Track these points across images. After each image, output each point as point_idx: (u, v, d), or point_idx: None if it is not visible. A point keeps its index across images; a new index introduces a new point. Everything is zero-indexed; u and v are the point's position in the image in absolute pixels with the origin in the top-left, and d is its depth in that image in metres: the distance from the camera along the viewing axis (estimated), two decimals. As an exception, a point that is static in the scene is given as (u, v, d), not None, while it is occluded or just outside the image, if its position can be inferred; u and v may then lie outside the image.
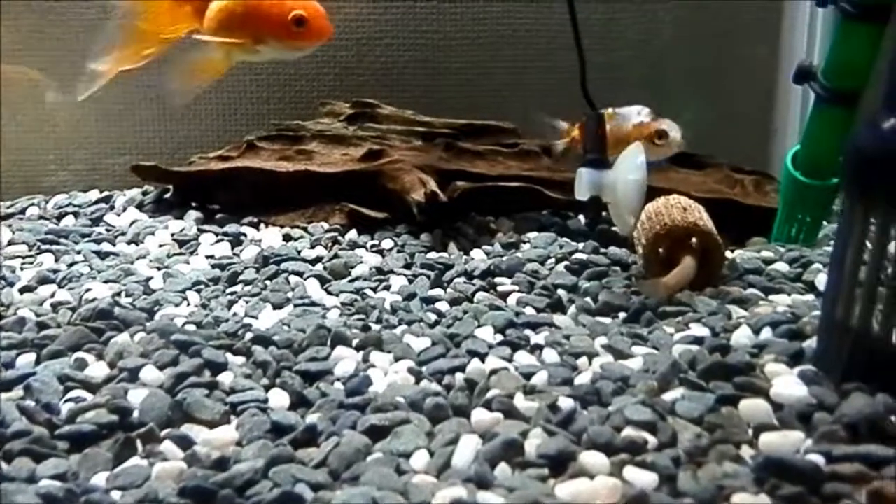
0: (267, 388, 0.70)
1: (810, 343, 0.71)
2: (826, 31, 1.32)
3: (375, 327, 0.84)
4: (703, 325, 0.81)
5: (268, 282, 0.98)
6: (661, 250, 0.96)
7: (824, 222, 1.10)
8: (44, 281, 0.94)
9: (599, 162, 0.94)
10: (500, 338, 0.81)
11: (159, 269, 1.01)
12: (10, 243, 1.08)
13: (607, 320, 0.87)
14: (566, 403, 0.64)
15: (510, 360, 0.75)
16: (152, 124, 1.43)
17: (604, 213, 1.10)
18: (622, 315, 0.88)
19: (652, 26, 1.46)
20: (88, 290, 0.90)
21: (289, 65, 1.44)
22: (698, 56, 1.45)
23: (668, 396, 0.66)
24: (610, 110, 1.03)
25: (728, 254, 1.04)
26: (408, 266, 1.03)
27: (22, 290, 0.91)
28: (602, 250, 1.05)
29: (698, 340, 0.76)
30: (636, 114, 1.03)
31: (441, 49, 1.42)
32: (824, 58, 0.99)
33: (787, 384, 0.64)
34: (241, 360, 0.75)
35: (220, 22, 0.82)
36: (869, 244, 0.61)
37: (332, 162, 1.20)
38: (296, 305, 0.91)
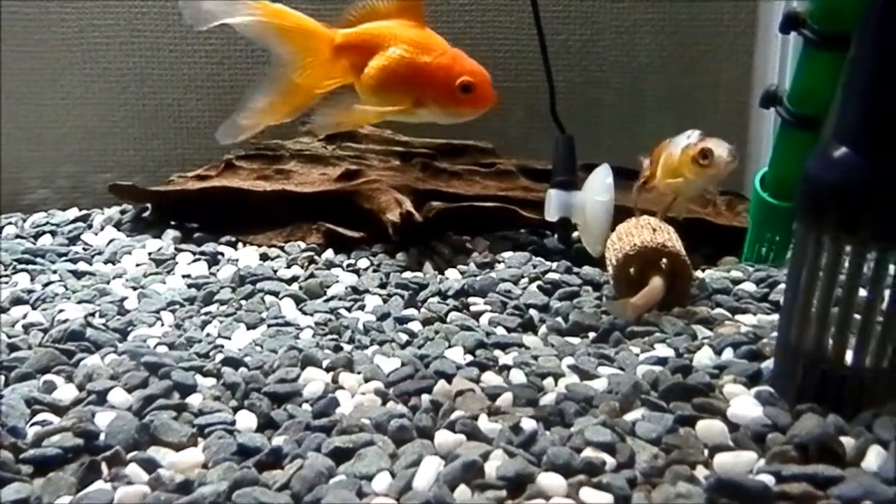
0: (235, 410, 0.71)
1: (768, 364, 0.72)
2: (797, 52, 1.35)
3: (347, 348, 0.85)
4: (667, 346, 0.82)
5: (243, 301, 0.99)
6: (631, 270, 0.98)
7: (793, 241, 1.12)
8: (17, 302, 0.94)
9: (568, 183, 0.96)
10: (469, 358, 0.82)
11: (135, 288, 1.02)
12: (-15, 263, 1.08)
13: (576, 340, 0.88)
14: (528, 424, 0.65)
15: (477, 381, 0.76)
16: (134, 143, 1.45)
17: (575, 234, 1.12)
18: (592, 335, 0.89)
19: (629, 49, 1.48)
20: (61, 310, 0.91)
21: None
22: (674, 78, 1.47)
23: (629, 417, 0.67)
24: (667, 141, 1.01)
25: (699, 273, 1.05)
26: (383, 286, 1.04)
27: (-6, 312, 0.91)
28: (575, 270, 1.07)
29: (662, 361, 0.77)
30: (685, 138, 0.98)
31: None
32: (790, 83, 1.01)
33: (744, 405, 0.66)
34: (211, 381, 0.76)
35: (380, 81, 0.74)
36: (821, 269, 0.63)
37: (310, 182, 1.21)
38: (269, 325, 0.92)
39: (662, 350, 0.81)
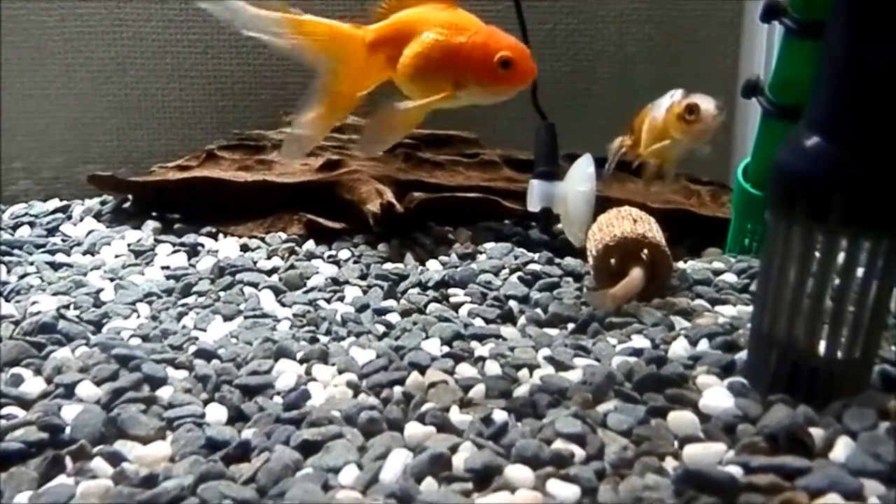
0: (206, 403, 0.70)
1: (742, 355, 0.72)
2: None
3: (323, 339, 0.84)
4: (644, 337, 0.82)
5: (221, 293, 0.98)
6: (611, 261, 0.97)
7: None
8: (-9, 294, 0.93)
9: (550, 174, 0.95)
10: (445, 349, 0.81)
11: (112, 280, 1.01)
12: (-39, 255, 1.07)
13: (554, 331, 0.87)
14: (500, 416, 0.65)
15: (451, 373, 0.75)
16: (117, 133, 1.44)
17: (558, 224, 1.11)
18: (571, 326, 0.89)
19: (616, 39, 1.47)
20: (35, 302, 0.90)
21: (254, 74, 1.44)
22: (661, 68, 1.47)
23: (601, 408, 0.67)
24: (648, 106, 0.98)
25: (681, 264, 1.05)
26: (363, 277, 1.03)
27: (-33, 304, 0.90)
28: (557, 261, 1.06)
29: (637, 352, 0.77)
30: (668, 98, 0.95)
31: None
32: (770, 73, 1.01)
33: (716, 396, 0.65)
34: (182, 374, 0.75)
35: (417, 68, 0.71)
36: (793, 258, 0.62)
37: (291, 172, 1.20)
38: (246, 317, 0.91)
39: (639, 341, 0.81)
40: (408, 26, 0.73)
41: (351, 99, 0.74)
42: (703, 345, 0.77)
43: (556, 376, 0.74)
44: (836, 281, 0.61)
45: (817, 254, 0.61)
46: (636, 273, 0.93)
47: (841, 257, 0.61)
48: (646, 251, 0.96)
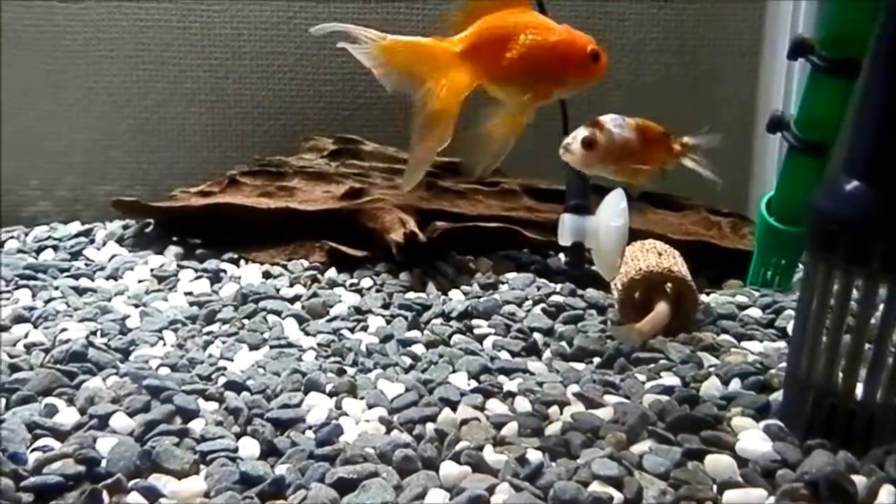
0: (238, 437, 0.70)
1: (777, 396, 0.72)
2: (803, 74, 1.36)
3: (350, 371, 0.84)
4: (674, 374, 0.82)
5: (245, 321, 0.98)
6: (636, 295, 0.97)
7: (799, 265, 1.12)
8: (19, 319, 0.93)
9: (582, 208, 0.96)
10: (473, 384, 0.81)
11: (137, 306, 1.01)
12: (-13, 278, 1.08)
13: (581, 366, 0.87)
14: (534, 456, 0.65)
15: (482, 409, 0.75)
16: (136, 155, 1.44)
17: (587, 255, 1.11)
18: (596, 360, 0.89)
19: (634, 68, 1.48)
20: (63, 329, 0.90)
21: (273, 99, 1.45)
22: (678, 98, 1.47)
23: (636, 449, 0.66)
24: None
25: (703, 297, 1.05)
26: (386, 306, 1.03)
27: (-4, 330, 0.90)
28: (579, 292, 1.06)
29: (668, 390, 0.77)
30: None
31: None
32: (797, 109, 1.01)
33: (753, 439, 0.65)
34: (213, 406, 0.75)
35: (524, 72, 0.71)
36: (832, 301, 0.62)
37: (314, 199, 1.21)
38: (272, 347, 0.91)
39: (669, 378, 0.81)
40: (497, 32, 0.73)
41: (451, 114, 0.73)
42: (736, 384, 0.76)
43: (586, 414, 0.74)
44: (875, 324, 0.61)
45: (856, 297, 0.61)
46: (662, 308, 0.93)
47: (880, 301, 0.61)
48: (670, 285, 0.96)
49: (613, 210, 0.93)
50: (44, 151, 1.41)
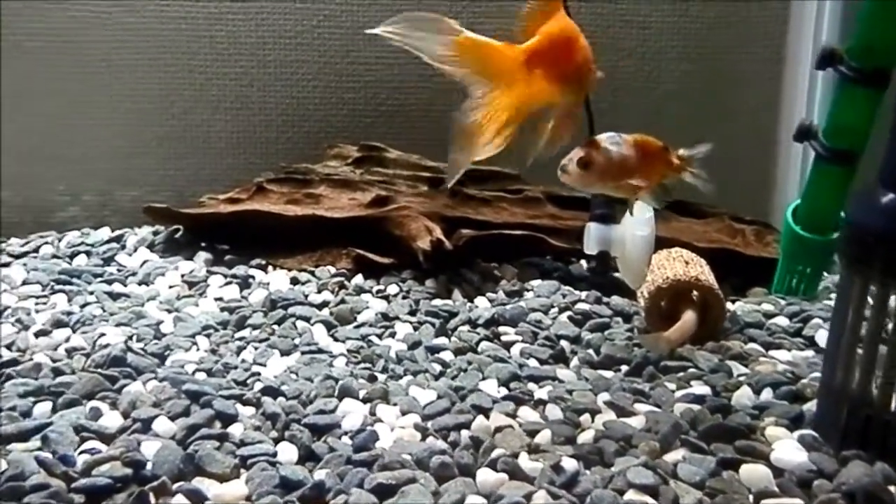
0: (276, 441, 0.72)
1: (810, 406, 0.72)
2: (827, 81, 1.36)
3: (381, 377, 0.86)
4: (704, 383, 0.82)
5: (275, 326, 0.99)
6: (662, 303, 0.98)
7: (825, 274, 1.12)
8: (58, 324, 0.95)
9: (608, 216, 0.96)
10: (504, 391, 0.82)
11: (169, 311, 1.03)
12: (24, 283, 1.10)
13: (609, 374, 0.88)
14: (569, 464, 0.66)
15: (514, 416, 0.76)
16: (162, 162, 1.46)
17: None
18: (624, 368, 0.89)
19: (655, 76, 1.49)
20: (102, 334, 0.92)
21: (297, 107, 1.47)
22: (699, 105, 1.48)
23: (669, 458, 0.67)
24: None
25: (728, 305, 1.05)
26: (413, 313, 1.04)
27: (37, 334, 0.92)
28: (605, 300, 1.07)
29: (699, 399, 0.78)
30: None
31: (447, 93, 1.46)
32: (825, 118, 1.02)
33: (788, 449, 0.66)
34: (250, 410, 0.77)
35: (586, 74, 0.75)
36: (867, 312, 0.63)
37: (340, 206, 1.22)
38: (303, 353, 0.92)
39: (699, 387, 0.81)
40: (562, 37, 0.75)
41: (515, 121, 0.74)
42: (767, 394, 0.77)
43: (618, 422, 0.75)
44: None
45: (892, 309, 0.61)
46: (690, 316, 0.94)
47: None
48: (696, 292, 0.97)
49: (639, 219, 0.94)
50: (72, 158, 1.43)
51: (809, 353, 0.90)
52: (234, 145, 1.47)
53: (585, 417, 0.76)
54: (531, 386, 0.84)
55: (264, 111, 1.46)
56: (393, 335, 0.98)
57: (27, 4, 1.36)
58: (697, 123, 1.47)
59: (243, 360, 0.90)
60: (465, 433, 0.72)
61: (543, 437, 0.71)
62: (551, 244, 1.18)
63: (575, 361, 0.92)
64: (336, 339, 0.97)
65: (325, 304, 1.06)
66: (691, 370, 0.86)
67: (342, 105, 1.46)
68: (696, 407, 0.75)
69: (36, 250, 1.23)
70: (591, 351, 0.94)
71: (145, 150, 1.44)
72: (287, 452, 0.70)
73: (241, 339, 0.96)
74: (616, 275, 1.08)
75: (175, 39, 1.41)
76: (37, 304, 1.04)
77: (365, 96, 1.46)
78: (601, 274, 1.04)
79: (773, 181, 1.49)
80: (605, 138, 0.85)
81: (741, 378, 0.83)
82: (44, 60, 1.37)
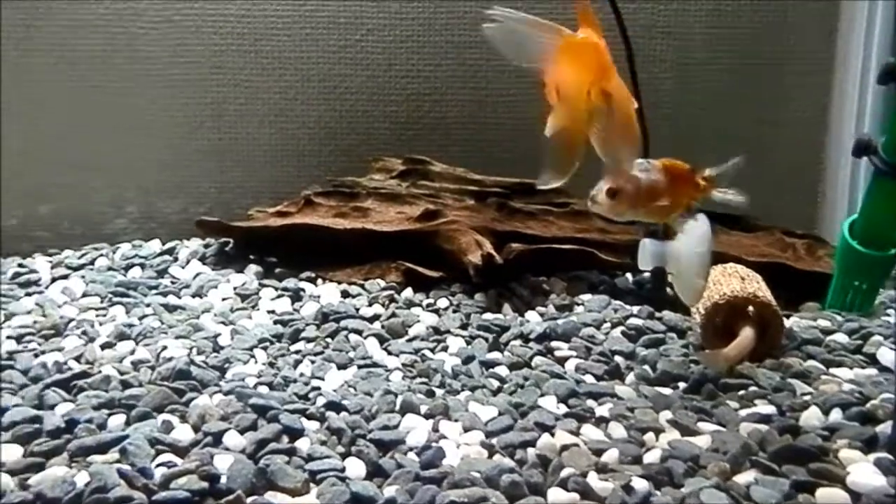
0: (343, 457, 0.72)
1: (884, 428, 0.71)
2: (877, 93, 1.34)
3: (439, 392, 0.86)
4: (768, 403, 0.81)
5: (329, 339, 1.00)
6: (718, 320, 0.97)
7: (881, 289, 1.11)
8: (121, 337, 0.97)
9: (663, 233, 0.96)
10: (564, 408, 0.82)
11: (225, 324, 1.04)
12: (83, 295, 1.12)
13: (668, 391, 0.88)
14: (640, 485, 0.65)
15: (578, 434, 0.76)
16: (209, 175, 1.48)
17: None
18: (681, 385, 0.89)
19: (700, 86, 1.48)
20: (164, 347, 0.93)
21: (339, 120, 1.49)
22: (745, 116, 1.47)
23: (741, 479, 0.67)
24: None
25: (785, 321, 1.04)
26: (464, 326, 1.05)
27: (103, 346, 0.94)
28: (657, 315, 1.07)
29: (766, 419, 0.77)
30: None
31: (488, 105, 1.47)
32: (885, 133, 1.00)
33: (864, 473, 0.65)
34: (315, 425, 0.78)
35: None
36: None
37: (388, 220, 1.23)
38: (359, 367, 0.93)
39: (764, 407, 0.80)
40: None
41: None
42: (837, 414, 0.76)
43: (683, 441, 0.74)
44: None
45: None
46: (748, 333, 0.93)
47: None
48: (754, 309, 0.96)
49: (697, 235, 0.94)
50: (123, 170, 1.46)
51: (872, 371, 0.89)
52: (278, 158, 1.49)
53: (650, 436, 0.76)
54: (590, 403, 0.84)
55: (307, 124, 1.48)
56: (446, 349, 0.99)
57: (82, 20, 1.39)
58: (742, 134, 1.46)
59: (301, 374, 0.91)
60: (531, 451, 0.72)
61: (610, 456, 0.71)
62: (602, 259, 1.18)
63: (631, 377, 0.91)
64: (390, 353, 0.97)
65: (376, 318, 1.07)
66: (752, 388, 0.86)
67: (384, 118, 1.48)
68: (762, 427, 0.75)
69: (92, 262, 1.25)
70: (646, 367, 0.93)
71: (192, 163, 1.46)
72: (355, 468, 0.70)
73: (296, 352, 0.97)
74: (671, 291, 1.07)
75: (224, 55, 1.44)
76: (97, 315, 1.06)
77: (407, 109, 1.47)
78: (656, 290, 1.03)
79: (821, 194, 1.47)
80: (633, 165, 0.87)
81: (806, 397, 0.82)
82: (99, 74, 1.40)
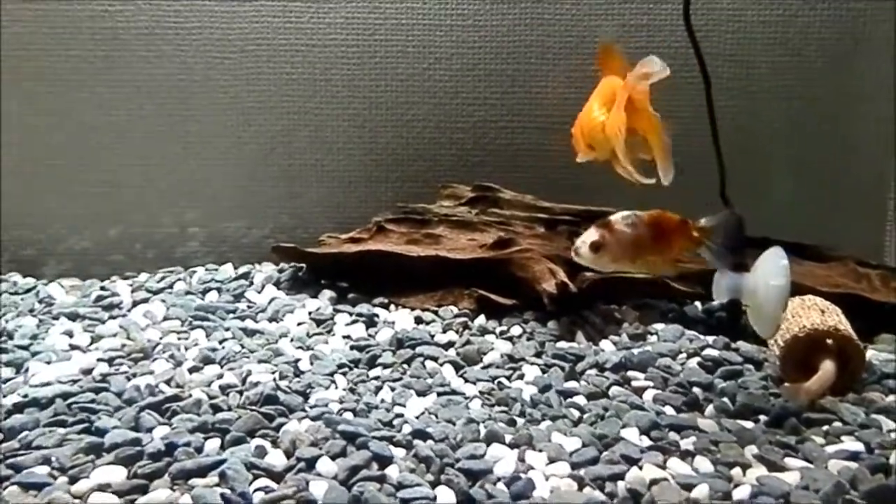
0: (432, 485, 0.74)
1: (984, 470, 0.70)
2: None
3: (519, 421, 0.87)
4: (856, 439, 0.80)
5: (405, 366, 1.02)
6: (797, 353, 0.96)
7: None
8: (206, 360, 1.01)
9: (738, 265, 0.96)
10: (647, 440, 0.82)
11: (303, 349, 1.07)
12: (164, 319, 1.17)
13: (749, 424, 0.87)
14: (735, 522, 0.65)
15: (664, 467, 0.76)
16: (279, 201, 1.52)
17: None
18: (762, 418, 0.88)
19: (766, 115, 1.47)
20: (249, 372, 0.97)
21: (406, 147, 1.52)
22: (809, 145, 1.45)
23: (836, 519, 0.66)
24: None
25: (863, 353, 1.02)
26: (538, 354, 1.06)
27: (190, 370, 0.98)
28: (733, 346, 1.06)
29: (854, 456, 0.76)
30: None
31: (553, 131, 1.48)
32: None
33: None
34: (401, 452, 0.79)
35: None
36: None
37: (460, 247, 1.25)
38: (438, 394, 0.95)
39: (851, 443, 0.80)
40: None
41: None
42: (931, 454, 0.75)
43: (772, 478, 0.74)
44: None
45: None
46: (829, 367, 0.92)
47: None
48: (833, 342, 0.95)
49: (774, 267, 0.93)
50: (194, 195, 1.51)
51: (961, 408, 0.87)
52: (346, 184, 1.53)
53: (737, 471, 0.76)
54: (672, 435, 0.84)
55: (375, 151, 1.51)
56: (521, 377, 1.00)
57: (160, 51, 1.45)
58: (806, 162, 1.45)
59: (382, 400, 0.93)
60: (621, 484, 0.72)
61: (700, 491, 0.71)
62: (676, 289, 1.18)
63: (710, 409, 0.91)
64: (467, 381, 0.99)
65: (450, 344, 1.09)
66: (836, 424, 0.85)
67: (450, 145, 1.50)
68: (852, 465, 0.74)
69: (170, 286, 1.30)
70: (725, 399, 0.93)
71: (262, 188, 1.51)
72: (445, 496, 0.72)
73: (375, 378, 0.99)
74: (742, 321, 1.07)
75: (295, 84, 1.48)
76: (179, 338, 1.10)
77: (473, 136, 1.50)
78: (731, 323, 1.03)
79: (889, 221, 1.45)
80: (619, 218, 0.88)
81: (894, 434, 0.80)
82: (176, 102, 1.46)
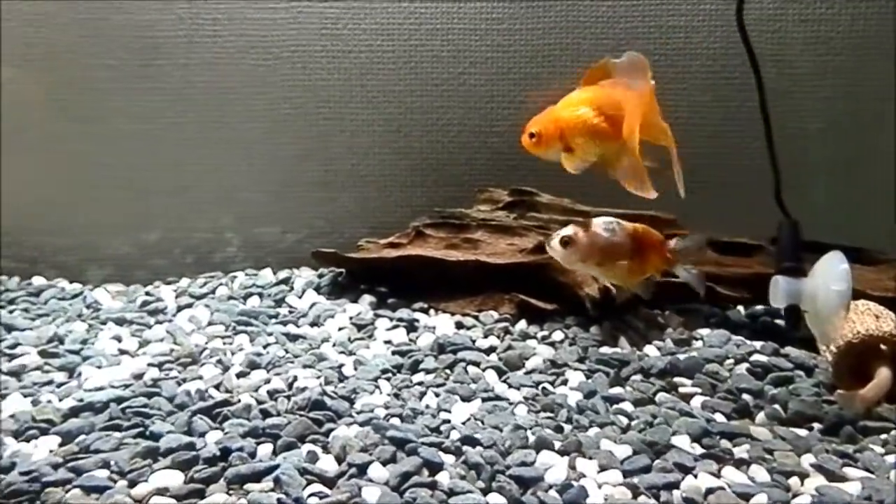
0: (484, 492, 0.73)
1: None
2: None
3: (566, 427, 0.86)
4: (917, 448, 0.78)
5: (448, 371, 1.02)
6: (851, 359, 0.94)
7: None
8: (252, 365, 1.01)
9: (796, 270, 0.94)
10: (699, 448, 0.81)
11: (345, 353, 1.07)
12: (209, 324, 1.17)
13: (803, 432, 0.85)
14: (797, 532, 0.64)
15: (719, 476, 0.75)
16: (316, 205, 1.53)
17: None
18: (816, 426, 0.86)
19: (802, 116, 1.44)
20: (295, 377, 0.97)
21: (441, 151, 1.51)
22: (846, 144, 1.43)
23: (903, 531, 0.64)
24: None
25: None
26: (581, 360, 1.05)
27: (238, 375, 0.98)
28: (782, 351, 1.04)
29: (918, 466, 0.74)
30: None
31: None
32: None
33: None
34: (451, 458, 0.79)
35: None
36: None
37: (500, 252, 1.25)
38: (483, 399, 0.94)
39: (913, 453, 0.77)
40: None
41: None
42: None
43: (832, 488, 0.72)
44: None
45: None
46: (885, 373, 0.90)
47: None
48: (887, 348, 0.92)
49: (834, 272, 0.91)
50: (232, 200, 1.52)
51: None
52: (381, 189, 1.53)
53: (794, 481, 0.74)
54: (724, 443, 0.82)
55: (410, 156, 1.51)
56: (565, 383, 0.99)
57: (199, 57, 1.46)
58: (843, 164, 1.42)
59: (427, 406, 0.92)
60: (676, 493, 0.71)
61: (758, 501, 0.70)
62: (721, 294, 1.16)
63: (761, 417, 0.89)
64: (510, 386, 0.98)
65: (492, 350, 1.08)
66: (895, 433, 0.82)
67: (485, 149, 1.50)
68: (916, 475, 0.72)
69: (213, 291, 1.31)
70: (777, 406, 0.91)
71: (298, 193, 1.51)
72: (498, 504, 0.71)
73: (419, 383, 0.99)
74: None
75: (330, 89, 1.49)
76: (224, 343, 1.11)
77: (508, 140, 1.49)
78: (792, 329, 1.01)
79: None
80: (600, 222, 0.88)
81: (959, 445, 0.78)
82: (213, 108, 1.47)
